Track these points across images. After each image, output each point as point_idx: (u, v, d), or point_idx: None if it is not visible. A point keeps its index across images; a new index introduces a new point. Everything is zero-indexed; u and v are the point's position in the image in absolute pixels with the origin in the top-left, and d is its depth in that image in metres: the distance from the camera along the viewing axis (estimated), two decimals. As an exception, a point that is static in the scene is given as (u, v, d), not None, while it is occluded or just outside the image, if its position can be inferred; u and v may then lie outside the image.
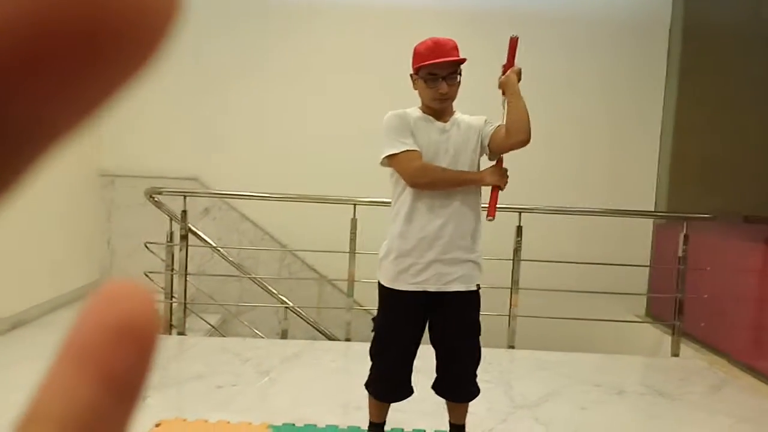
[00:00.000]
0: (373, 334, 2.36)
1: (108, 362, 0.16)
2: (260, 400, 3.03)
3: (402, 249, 2.22)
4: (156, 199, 4.24)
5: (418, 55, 2.23)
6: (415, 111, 2.30)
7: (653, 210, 5.55)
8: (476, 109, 5.46)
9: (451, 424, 2.45)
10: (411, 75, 2.27)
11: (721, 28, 5.08)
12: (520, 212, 4.18)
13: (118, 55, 0.15)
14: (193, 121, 5.53)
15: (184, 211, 4.19)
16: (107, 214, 5.54)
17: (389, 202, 2.35)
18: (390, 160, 2.22)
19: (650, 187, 5.56)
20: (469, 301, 2.28)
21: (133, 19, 0.14)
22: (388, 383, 2.37)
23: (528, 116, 2.23)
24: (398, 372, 2.32)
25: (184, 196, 4.25)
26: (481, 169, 2.33)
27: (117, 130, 5.50)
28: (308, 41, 5.50)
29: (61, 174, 4.86)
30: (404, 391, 2.36)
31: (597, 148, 5.59)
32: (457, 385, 2.35)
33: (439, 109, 2.26)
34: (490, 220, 2.26)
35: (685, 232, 4.18)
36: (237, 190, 5.05)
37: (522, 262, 4.19)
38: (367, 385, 2.41)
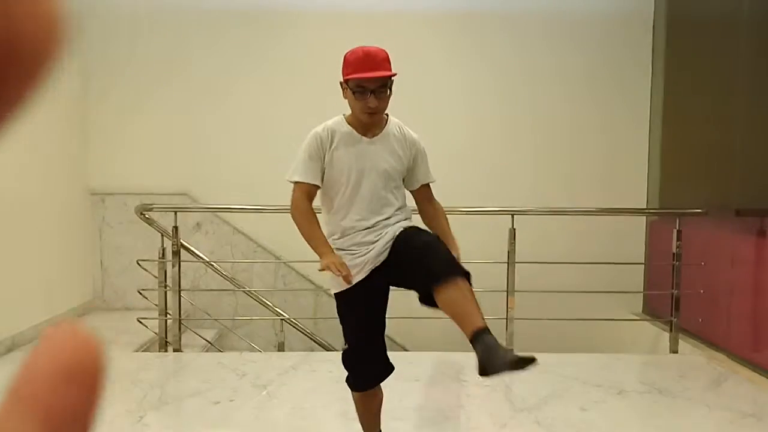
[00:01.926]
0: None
1: (54, 405, 0.17)
2: (259, 415, 3.01)
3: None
4: (147, 215, 4.21)
5: (347, 65, 2.18)
6: (341, 125, 2.26)
7: (645, 207, 5.56)
8: (465, 110, 5.45)
9: (470, 338, 1.94)
10: (340, 83, 2.22)
11: (704, 21, 5.11)
12: (512, 215, 4.18)
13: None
14: (181, 136, 5.51)
15: (176, 227, 4.17)
16: (98, 233, 5.51)
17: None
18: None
19: (642, 185, 5.57)
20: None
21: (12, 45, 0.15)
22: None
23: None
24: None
25: (175, 212, 4.22)
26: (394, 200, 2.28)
27: (105, 148, 5.48)
28: (296, 52, 5.49)
29: (52, 194, 4.83)
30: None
31: (586, 148, 5.60)
32: (435, 266, 2.02)
33: (367, 122, 2.22)
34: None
35: (678, 227, 4.18)
36: (228, 203, 5.03)
37: (517, 265, 4.17)
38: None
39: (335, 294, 2.32)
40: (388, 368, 2.39)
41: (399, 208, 2.29)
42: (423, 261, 2.06)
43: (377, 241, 2.21)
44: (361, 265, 2.23)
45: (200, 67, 5.48)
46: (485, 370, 1.85)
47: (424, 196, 2.38)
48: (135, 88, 5.46)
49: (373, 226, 2.22)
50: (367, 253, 2.21)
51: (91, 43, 5.40)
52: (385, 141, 2.25)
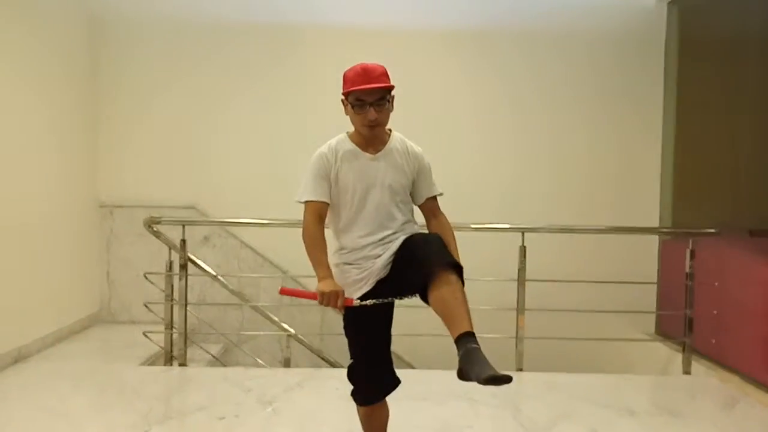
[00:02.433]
0: None
1: None
2: (263, 431, 2.96)
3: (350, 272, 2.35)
4: (155, 228, 4.20)
5: (346, 81, 2.21)
6: (344, 143, 2.28)
7: (658, 226, 5.51)
8: (479, 127, 5.43)
9: (455, 340, 1.93)
10: (342, 100, 2.25)
11: (715, 42, 5.09)
12: (523, 232, 4.14)
13: None
14: (189, 149, 5.52)
15: (183, 240, 4.15)
16: (106, 245, 5.50)
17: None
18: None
19: (654, 204, 5.52)
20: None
21: None
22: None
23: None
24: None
25: (183, 225, 4.21)
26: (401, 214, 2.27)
27: (114, 161, 5.50)
28: (303, 63, 5.51)
29: (61, 206, 4.84)
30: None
31: (599, 167, 5.57)
32: (427, 257, 2.04)
33: (368, 135, 2.23)
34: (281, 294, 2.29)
35: (691, 247, 4.13)
36: (235, 217, 5.02)
37: (528, 283, 4.12)
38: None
39: None
40: (394, 381, 2.37)
41: (406, 222, 2.28)
42: (416, 253, 2.10)
43: (383, 254, 2.21)
44: (366, 278, 2.23)
45: (208, 82, 5.50)
46: (462, 373, 1.87)
47: (429, 209, 2.35)
48: (143, 102, 5.49)
49: (380, 241, 2.23)
50: (373, 266, 2.21)
51: (100, 59, 5.44)
52: (389, 156, 2.26)
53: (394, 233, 2.24)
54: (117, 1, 5.48)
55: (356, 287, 2.24)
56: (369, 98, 2.16)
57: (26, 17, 4.35)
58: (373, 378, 2.35)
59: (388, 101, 2.21)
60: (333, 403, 3.38)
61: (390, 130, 2.31)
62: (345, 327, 2.36)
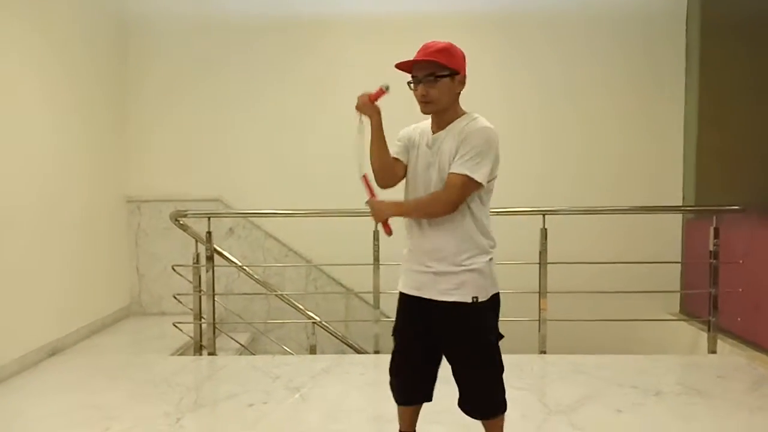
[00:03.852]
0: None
1: None
2: (292, 417, 3.03)
3: (403, 255, 2.35)
4: (181, 222, 4.28)
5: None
6: (426, 123, 2.30)
7: (681, 205, 5.45)
8: (504, 110, 5.39)
9: None
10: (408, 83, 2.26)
11: (739, 19, 4.99)
12: (544, 214, 4.13)
13: None
14: (214, 143, 5.60)
15: (209, 233, 4.23)
16: (135, 239, 5.62)
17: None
18: None
19: (677, 184, 5.47)
20: (458, 313, 2.16)
21: None
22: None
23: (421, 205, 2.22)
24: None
25: (209, 218, 4.29)
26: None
27: (141, 156, 5.60)
28: (326, 55, 5.54)
29: (91, 203, 4.95)
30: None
31: (621, 146, 5.53)
32: (469, 400, 2.28)
33: (425, 113, 2.23)
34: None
35: (715, 225, 4.09)
36: (260, 208, 5.09)
37: (549, 266, 4.13)
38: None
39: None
40: (425, 397, 2.40)
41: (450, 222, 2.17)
42: (463, 382, 2.26)
43: (420, 280, 2.24)
44: (405, 271, 2.35)
45: (233, 76, 5.57)
46: None
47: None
48: (169, 98, 5.57)
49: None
50: (410, 275, 2.31)
51: (127, 58, 5.53)
52: (447, 137, 2.17)
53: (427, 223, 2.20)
54: (144, 1, 5.56)
55: (402, 277, 2.32)
56: (418, 73, 2.15)
57: (57, 19, 4.44)
58: (401, 377, 2.40)
59: (439, 77, 2.12)
60: (359, 389, 3.44)
61: (466, 113, 2.23)
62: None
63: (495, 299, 2.23)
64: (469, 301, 2.14)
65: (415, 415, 2.47)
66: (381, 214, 2.28)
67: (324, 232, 5.26)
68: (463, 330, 2.18)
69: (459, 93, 2.23)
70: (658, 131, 5.52)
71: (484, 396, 2.27)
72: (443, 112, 2.20)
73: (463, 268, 2.15)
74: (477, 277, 2.16)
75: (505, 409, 2.30)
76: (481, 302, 2.16)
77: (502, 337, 2.28)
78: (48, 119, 4.36)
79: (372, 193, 2.33)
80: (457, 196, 2.12)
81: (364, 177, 2.33)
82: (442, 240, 2.18)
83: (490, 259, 2.21)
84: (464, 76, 2.22)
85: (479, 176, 2.10)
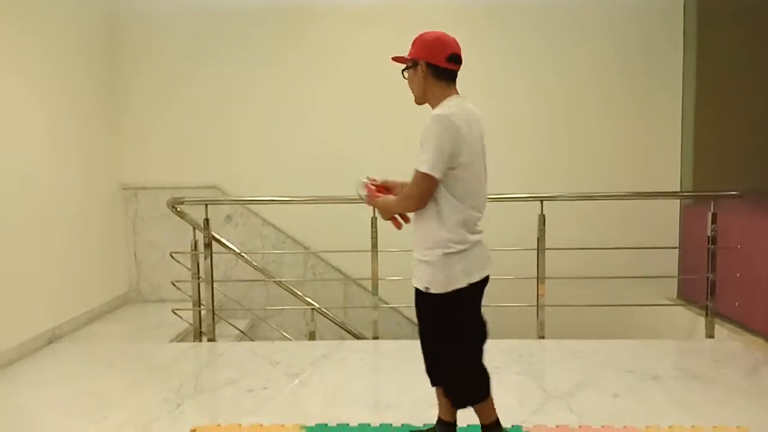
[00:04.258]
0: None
1: None
2: (292, 402, 3.05)
3: None
4: (178, 209, 4.27)
5: None
6: None
7: (679, 191, 5.46)
8: (496, 95, 5.35)
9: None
10: None
11: (735, 7, 4.98)
12: (542, 201, 4.13)
13: None
14: (211, 130, 5.58)
15: (207, 219, 4.23)
16: (132, 227, 5.62)
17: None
18: None
19: (675, 168, 5.47)
20: (418, 299, 2.26)
21: None
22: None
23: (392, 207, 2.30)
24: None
25: (206, 205, 4.28)
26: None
27: (137, 143, 5.58)
28: (323, 42, 5.51)
29: (86, 190, 4.94)
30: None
31: (618, 132, 5.52)
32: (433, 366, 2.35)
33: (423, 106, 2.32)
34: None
35: (712, 211, 4.10)
36: (257, 195, 5.08)
37: (550, 252, 4.13)
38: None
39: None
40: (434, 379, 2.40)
41: (420, 218, 2.22)
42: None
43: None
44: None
45: (228, 62, 5.53)
46: None
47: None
48: (164, 83, 5.54)
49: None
50: None
51: (121, 43, 5.49)
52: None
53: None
54: (134, -16, 5.52)
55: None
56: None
57: (48, 7, 4.40)
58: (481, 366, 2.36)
59: (407, 71, 2.25)
60: (358, 374, 3.46)
61: (446, 101, 2.20)
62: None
63: (456, 294, 2.17)
64: (422, 288, 2.22)
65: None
66: (385, 213, 2.34)
67: (322, 218, 5.26)
68: (419, 312, 2.28)
69: (436, 81, 2.22)
70: (655, 117, 5.51)
71: (443, 369, 2.32)
72: (429, 102, 2.26)
73: (421, 258, 2.22)
74: (429, 270, 2.18)
75: (457, 402, 2.33)
76: (434, 293, 2.18)
77: (466, 333, 2.26)
78: (42, 109, 4.33)
79: (374, 196, 2.34)
80: (415, 192, 2.15)
81: (366, 185, 2.35)
82: (414, 232, 2.27)
83: (452, 253, 2.15)
84: (428, 63, 2.21)
85: (425, 168, 2.09)
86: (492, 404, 2.34)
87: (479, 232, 2.24)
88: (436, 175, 2.09)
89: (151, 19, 5.51)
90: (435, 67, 2.20)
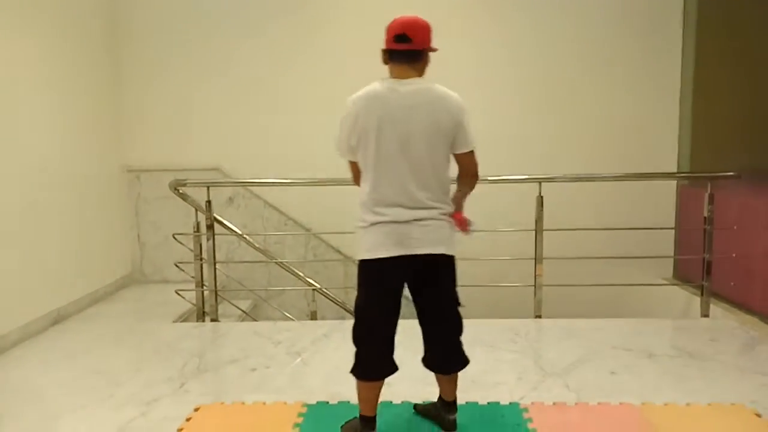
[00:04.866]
0: None
1: None
2: (294, 381, 3.11)
3: None
4: (180, 191, 4.31)
5: None
6: None
7: (676, 171, 5.48)
8: (505, 77, 5.29)
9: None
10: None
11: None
12: (540, 182, 4.16)
13: None
14: (212, 112, 5.59)
15: (209, 201, 4.27)
16: (135, 209, 5.66)
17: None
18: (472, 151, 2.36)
19: (672, 149, 5.49)
20: None
21: None
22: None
23: None
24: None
25: (208, 187, 4.32)
26: None
27: (139, 126, 5.60)
28: (323, 23, 5.50)
29: (90, 173, 4.97)
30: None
31: (615, 113, 5.52)
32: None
33: None
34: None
35: (709, 191, 4.13)
36: (259, 177, 5.11)
37: (548, 233, 4.17)
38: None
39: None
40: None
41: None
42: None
43: None
44: None
45: (227, 44, 5.53)
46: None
47: None
48: (166, 66, 5.54)
49: None
50: None
51: (121, 25, 5.48)
52: None
53: None
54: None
55: None
56: None
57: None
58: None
59: None
60: (359, 353, 3.52)
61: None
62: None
63: (361, 264, 2.32)
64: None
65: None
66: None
67: (322, 200, 5.30)
68: None
69: (390, 63, 2.32)
70: (653, 98, 5.50)
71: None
72: None
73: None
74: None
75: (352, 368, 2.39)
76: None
77: (368, 307, 2.33)
78: (46, 93, 4.35)
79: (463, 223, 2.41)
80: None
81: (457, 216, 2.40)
82: None
83: (360, 228, 2.31)
84: (383, 49, 2.32)
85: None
86: (372, 399, 2.39)
87: (385, 214, 2.25)
88: (340, 153, 2.37)
89: (154, 3, 5.50)
90: (383, 51, 2.33)
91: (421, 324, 2.39)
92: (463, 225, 2.38)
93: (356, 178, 2.41)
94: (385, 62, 2.32)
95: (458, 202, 2.43)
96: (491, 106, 5.34)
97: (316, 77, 5.50)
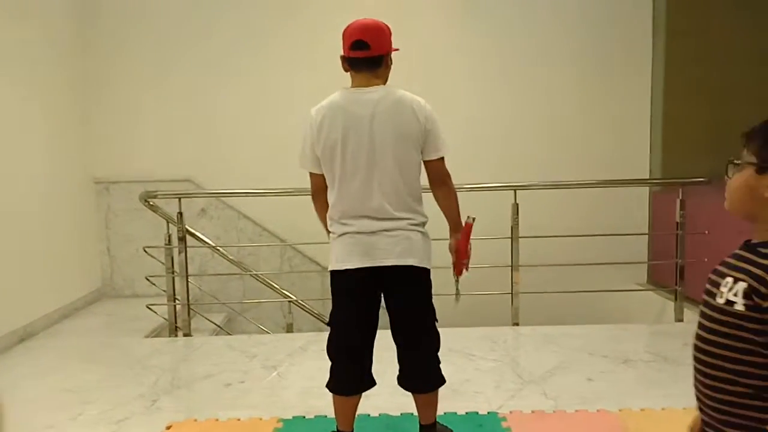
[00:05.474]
0: None
1: None
2: (269, 395, 3.05)
3: None
4: (151, 202, 4.23)
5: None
6: None
7: (648, 177, 5.55)
8: (468, 85, 5.34)
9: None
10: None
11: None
12: (515, 190, 4.18)
13: None
14: (184, 122, 5.52)
15: (180, 213, 4.19)
16: (105, 221, 5.54)
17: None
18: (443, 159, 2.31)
19: (644, 156, 5.56)
20: None
21: None
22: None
23: None
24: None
25: (179, 198, 4.25)
26: None
27: (108, 136, 5.49)
28: (298, 35, 5.47)
29: (56, 184, 4.86)
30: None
31: (587, 120, 5.58)
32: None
33: None
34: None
35: (681, 197, 4.18)
36: (231, 188, 5.05)
37: (523, 240, 4.18)
38: None
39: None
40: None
41: None
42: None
43: None
44: None
45: (200, 55, 5.47)
46: None
47: None
48: (136, 75, 5.46)
49: None
50: None
51: (90, 32, 5.39)
52: None
53: None
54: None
55: None
56: None
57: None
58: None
59: None
60: (336, 365, 3.47)
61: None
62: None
63: (331, 276, 2.33)
64: None
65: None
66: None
67: (297, 210, 5.23)
68: None
69: (349, 73, 2.27)
70: (624, 103, 5.57)
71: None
72: None
73: None
74: None
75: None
76: None
77: (336, 317, 2.34)
78: (10, 103, 4.24)
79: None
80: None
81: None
82: None
83: (335, 238, 2.30)
84: (342, 56, 2.26)
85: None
86: (348, 414, 2.38)
87: (351, 225, 2.23)
88: (300, 165, 2.35)
89: (124, 10, 5.42)
90: (342, 58, 2.26)
91: (393, 339, 2.32)
92: (458, 267, 2.39)
93: (315, 194, 2.35)
94: (346, 70, 2.25)
95: (453, 222, 2.36)
96: (470, 113, 5.36)
97: (290, 88, 5.46)
